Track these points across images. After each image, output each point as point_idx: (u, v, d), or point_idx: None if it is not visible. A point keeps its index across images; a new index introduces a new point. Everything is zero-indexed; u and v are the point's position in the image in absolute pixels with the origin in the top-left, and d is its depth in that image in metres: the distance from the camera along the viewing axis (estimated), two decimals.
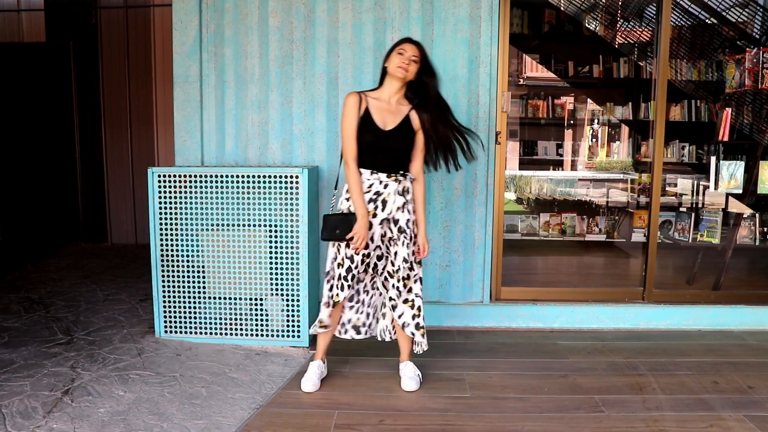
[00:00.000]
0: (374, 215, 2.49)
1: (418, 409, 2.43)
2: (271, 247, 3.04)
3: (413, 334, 2.59)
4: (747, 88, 3.65)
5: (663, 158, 3.55)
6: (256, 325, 3.10)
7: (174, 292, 3.12)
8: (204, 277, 3.10)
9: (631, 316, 3.46)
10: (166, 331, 3.16)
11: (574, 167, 5.16)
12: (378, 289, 2.68)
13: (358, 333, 2.71)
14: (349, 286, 2.54)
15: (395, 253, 2.54)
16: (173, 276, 3.11)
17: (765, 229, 3.97)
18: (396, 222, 2.52)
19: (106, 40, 5.58)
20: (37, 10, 5.63)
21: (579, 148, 5.14)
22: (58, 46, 5.60)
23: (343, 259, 2.53)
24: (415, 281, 2.57)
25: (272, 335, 3.10)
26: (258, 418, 2.34)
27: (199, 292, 3.11)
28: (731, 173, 3.67)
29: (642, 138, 4.73)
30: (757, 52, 3.55)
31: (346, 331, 2.71)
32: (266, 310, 3.09)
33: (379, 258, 2.57)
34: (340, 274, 2.54)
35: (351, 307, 2.68)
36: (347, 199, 2.53)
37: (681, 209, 4.30)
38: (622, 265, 4.46)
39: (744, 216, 3.95)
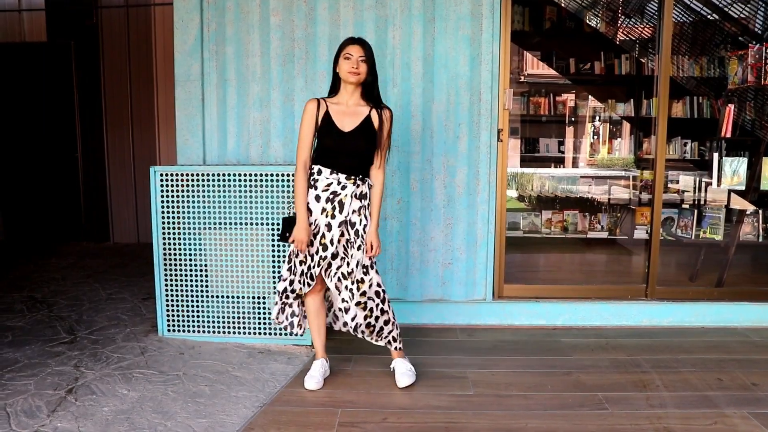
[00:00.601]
0: (333, 216, 2.52)
1: (421, 407, 2.43)
2: (273, 246, 3.04)
3: (363, 333, 2.63)
4: (749, 85, 3.63)
5: (665, 155, 3.55)
6: (259, 323, 3.11)
7: (176, 290, 3.13)
8: (206, 276, 3.10)
9: (634, 314, 3.46)
10: (168, 330, 3.16)
11: (575, 164, 5.15)
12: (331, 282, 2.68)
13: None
14: (310, 282, 2.60)
15: (351, 255, 2.56)
16: (176, 275, 3.11)
17: None
18: (353, 225, 2.55)
19: (107, 40, 5.58)
20: (38, 9, 5.64)
21: (581, 145, 5.12)
22: (59, 45, 5.60)
23: (305, 257, 2.57)
24: (370, 286, 2.58)
25: (275, 333, 3.10)
26: (262, 416, 2.34)
27: (201, 291, 3.11)
28: (734, 170, 3.66)
29: (644, 135, 4.72)
30: (760, 48, 3.53)
31: (300, 324, 2.74)
32: (269, 309, 3.09)
33: (334, 257, 2.58)
34: (302, 271, 2.59)
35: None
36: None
37: (683, 206, 4.28)
38: (625, 263, 4.45)
39: (747, 212, 3.94)
